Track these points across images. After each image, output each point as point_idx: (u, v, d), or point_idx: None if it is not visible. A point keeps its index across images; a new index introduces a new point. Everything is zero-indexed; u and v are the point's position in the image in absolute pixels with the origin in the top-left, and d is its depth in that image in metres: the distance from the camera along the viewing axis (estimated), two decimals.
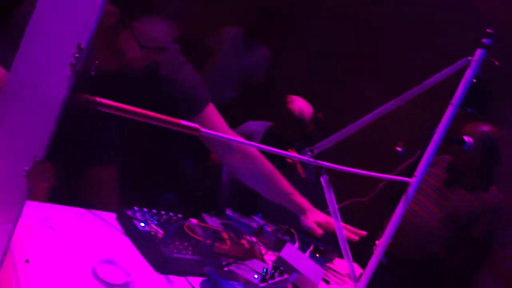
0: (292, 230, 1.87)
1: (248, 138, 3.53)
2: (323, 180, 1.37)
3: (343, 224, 1.88)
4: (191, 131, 1.07)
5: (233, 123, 3.56)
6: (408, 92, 1.56)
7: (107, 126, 1.84)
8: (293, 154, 1.53)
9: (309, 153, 1.32)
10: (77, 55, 0.78)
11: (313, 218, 1.90)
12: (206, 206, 1.88)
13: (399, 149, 1.92)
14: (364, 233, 1.87)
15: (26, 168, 0.77)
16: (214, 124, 1.90)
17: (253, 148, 1.98)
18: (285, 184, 1.95)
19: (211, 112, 1.90)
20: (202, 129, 1.08)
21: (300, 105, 3.39)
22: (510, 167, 3.23)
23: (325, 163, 1.36)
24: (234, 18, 4.28)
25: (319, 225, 1.89)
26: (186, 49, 1.87)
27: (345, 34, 4.44)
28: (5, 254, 0.78)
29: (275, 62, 4.40)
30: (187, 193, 3.38)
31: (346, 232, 1.80)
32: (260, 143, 3.53)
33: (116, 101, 1.03)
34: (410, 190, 1.64)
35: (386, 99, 1.55)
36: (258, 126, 3.64)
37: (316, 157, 1.35)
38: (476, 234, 2.95)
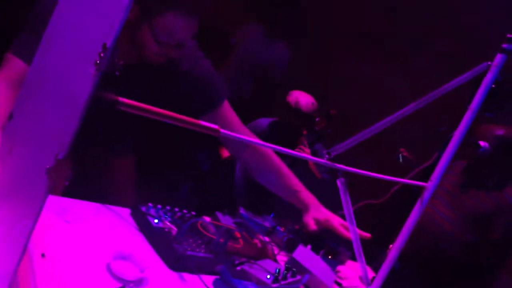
0: (303, 231, 1.86)
1: (259, 135, 3.56)
2: (339, 182, 1.37)
3: (344, 223, 1.87)
4: (211, 131, 1.07)
5: (246, 119, 3.58)
6: (426, 96, 1.55)
7: (123, 119, 1.85)
8: (308, 155, 1.51)
9: (327, 155, 1.31)
10: (102, 54, 0.78)
11: (313, 214, 1.90)
12: (220, 202, 1.88)
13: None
14: (367, 235, 1.86)
15: (48, 166, 0.77)
16: (229, 120, 1.92)
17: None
18: (293, 180, 1.96)
19: (226, 108, 1.92)
20: (222, 130, 1.08)
21: (296, 96, 3.47)
22: None
23: (342, 166, 1.35)
24: (255, 14, 4.26)
25: (317, 221, 1.88)
26: (206, 44, 1.87)
27: (357, 24, 4.40)
28: (24, 250, 0.78)
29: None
30: (201, 188, 3.39)
31: (347, 232, 1.80)
32: (265, 139, 3.58)
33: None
34: (426, 194, 1.63)
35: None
36: (266, 122, 3.67)
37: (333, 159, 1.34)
38: (493, 235, 2.93)
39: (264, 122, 3.68)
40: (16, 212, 0.89)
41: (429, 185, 1.63)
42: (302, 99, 3.45)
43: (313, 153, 3.63)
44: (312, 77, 4.32)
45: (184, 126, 1.02)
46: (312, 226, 1.87)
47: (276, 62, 4.24)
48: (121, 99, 0.90)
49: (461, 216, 2.96)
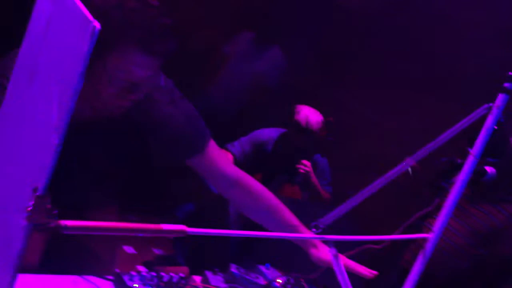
0: (302, 281, 1.76)
1: (260, 146, 3.48)
2: (331, 254, 1.27)
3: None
4: (177, 234, 0.96)
5: (242, 129, 3.48)
6: (426, 147, 1.45)
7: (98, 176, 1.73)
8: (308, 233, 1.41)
9: (314, 229, 1.21)
10: (31, 202, 0.68)
11: (321, 252, 1.78)
12: (210, 257, 1.80)
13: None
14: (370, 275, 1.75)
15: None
16: (216, 160, 1.80)
17: (255, 181, 1.89)
18: (291, 216, 1.85)
19: (212, 148, 1.79)
20: (188, 229, 0.97)
21: (306, 114, 3.37)
22: None
23: (333, 236, 1.25)
24: (244, 23, 4.16)
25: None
26: (197, 56, 1.75)
27: (354, 33, 4.29)
28: None
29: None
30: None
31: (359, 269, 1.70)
32: (272, 150, 3.49)
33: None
34: (428, 246, 1.53)
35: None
36: (270, 133, 3.57)
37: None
38: (504, 249, 2.84)
39: (269, 132, 3.58)
40: None
41: (432, 236, 1.53)
42: (312, 117, 3.35)
43: (313, 164, 3.54)
44: (308, 82, 4.23)
45: (145, 235, 0.92)
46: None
47: (270, 70, 4.14)
48: (63, 222, 0.79)
49: (470, 230, 2.86)
